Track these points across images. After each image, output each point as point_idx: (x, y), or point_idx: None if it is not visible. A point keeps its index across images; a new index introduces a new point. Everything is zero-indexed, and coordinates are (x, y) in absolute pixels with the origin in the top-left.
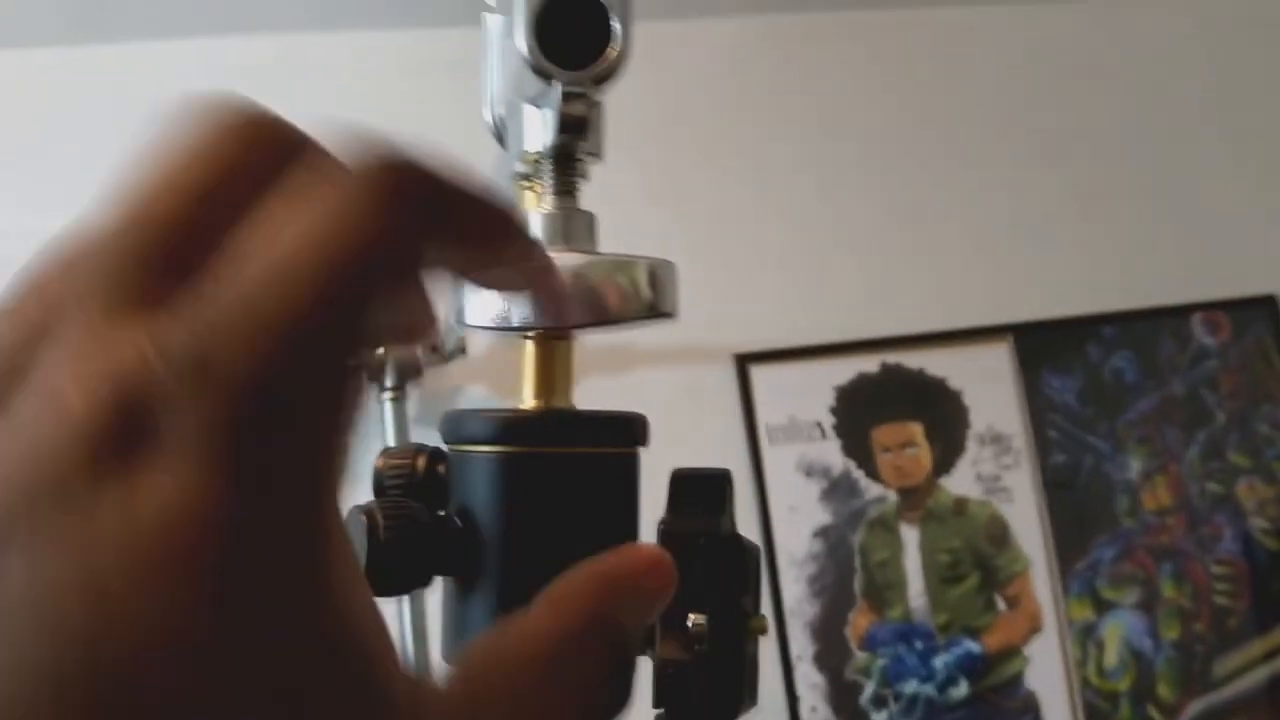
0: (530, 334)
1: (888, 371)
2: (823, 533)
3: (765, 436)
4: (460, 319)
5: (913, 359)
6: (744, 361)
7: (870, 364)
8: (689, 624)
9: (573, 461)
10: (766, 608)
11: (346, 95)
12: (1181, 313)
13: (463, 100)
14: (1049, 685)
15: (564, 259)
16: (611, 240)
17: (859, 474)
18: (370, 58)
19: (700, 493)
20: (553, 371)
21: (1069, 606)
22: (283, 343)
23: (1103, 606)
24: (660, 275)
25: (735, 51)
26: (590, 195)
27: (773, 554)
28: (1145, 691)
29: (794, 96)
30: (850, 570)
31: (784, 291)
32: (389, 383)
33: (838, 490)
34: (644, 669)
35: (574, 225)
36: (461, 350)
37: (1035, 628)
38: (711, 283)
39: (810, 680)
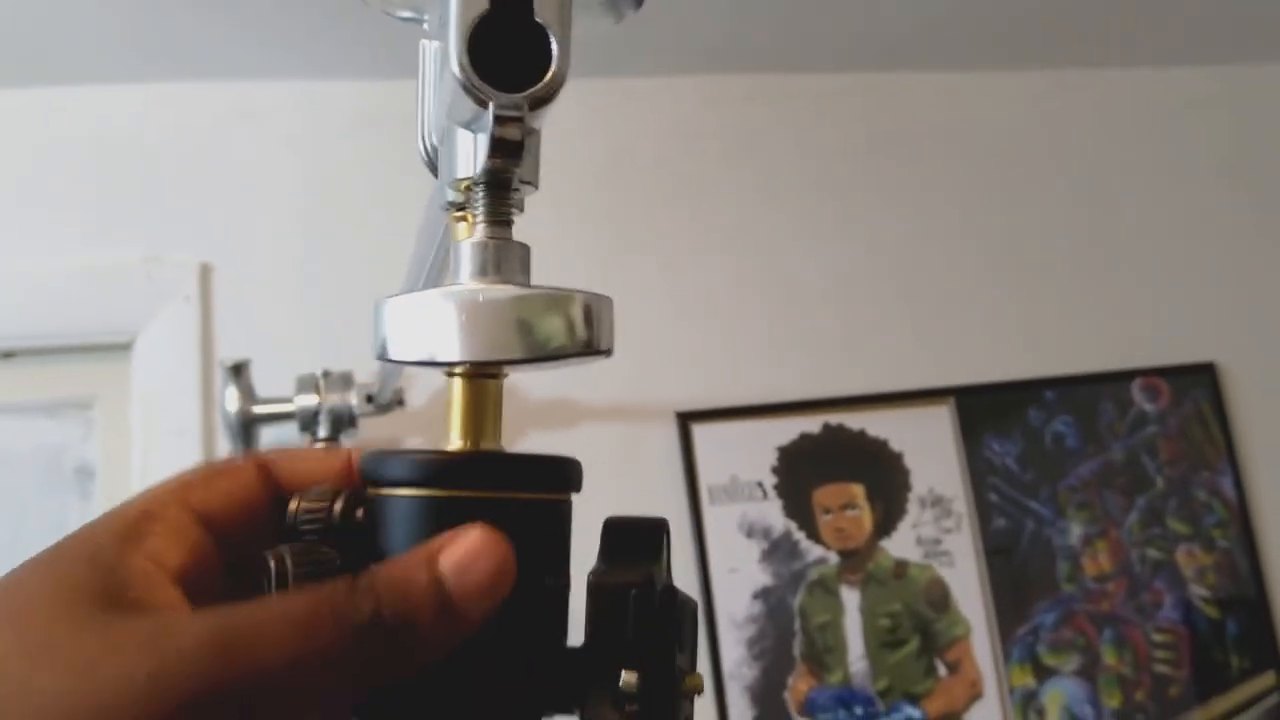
0: (457, 371)
1: (830, 432)
2: (763, 594)
3: (706, 496)
4: (384, 354)
5: (855, 420)
6: (686, 420)
7: (812, 424)
8: (620, 681)
9: (501, 507)
10: (705, 670)
11: (297, 143)
12: (1122, 378)
13: (411, 151)
14: None
15: (495, 291)
16: None
17: (800, 535)
18: (320, 107)
19: (634, 542)
20: (482, 411)
21: (1010, 673)
22: None
23: (1044, 673)
24: (596, 310)
25: (678, 111)
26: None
27: (712, 615)
28: None
29: (737, 158)
30: (790, 633)
31: (727, 350)
32: (322, 433)
33: (778, 551)
34: None
35: (506, 256)
36: (399, 401)
37: (976, 694)
38: (655, 340)
39: None
